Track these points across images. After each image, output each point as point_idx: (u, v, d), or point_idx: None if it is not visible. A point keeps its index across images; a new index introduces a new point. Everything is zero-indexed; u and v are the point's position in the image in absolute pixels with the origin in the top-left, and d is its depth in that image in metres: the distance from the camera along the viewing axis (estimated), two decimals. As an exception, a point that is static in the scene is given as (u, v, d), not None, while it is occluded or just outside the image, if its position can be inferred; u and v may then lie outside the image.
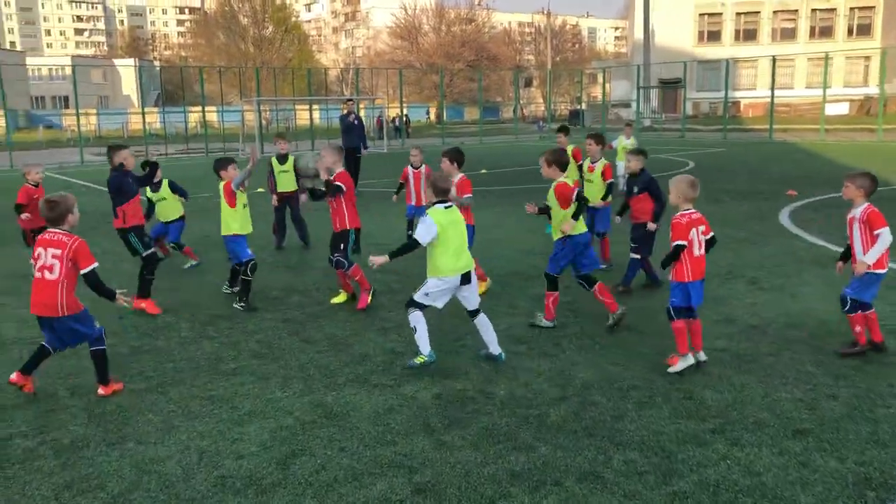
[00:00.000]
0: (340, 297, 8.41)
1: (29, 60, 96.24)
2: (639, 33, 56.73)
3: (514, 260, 10.24)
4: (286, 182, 11.59)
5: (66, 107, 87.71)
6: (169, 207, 10.54)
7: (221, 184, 8.30)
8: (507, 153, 32.27)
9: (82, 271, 5.61)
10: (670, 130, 43.21)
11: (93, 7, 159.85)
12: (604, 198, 9.48)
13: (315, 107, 54.38)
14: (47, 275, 5.52)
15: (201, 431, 5.13)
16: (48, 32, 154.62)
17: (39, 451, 4.87)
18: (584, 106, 60.31)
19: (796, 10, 60.83)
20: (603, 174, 9.50)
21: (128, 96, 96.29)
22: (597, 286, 7.20)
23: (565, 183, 7.20)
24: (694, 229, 5.98)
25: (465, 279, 6.12)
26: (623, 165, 17.73)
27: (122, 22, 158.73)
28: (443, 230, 5.96)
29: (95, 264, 5.69)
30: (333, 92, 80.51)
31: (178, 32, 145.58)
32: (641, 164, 8.60)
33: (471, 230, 8.44)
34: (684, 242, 5.94)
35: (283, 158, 11.72)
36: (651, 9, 48.84)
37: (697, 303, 6.06)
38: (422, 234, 5.94)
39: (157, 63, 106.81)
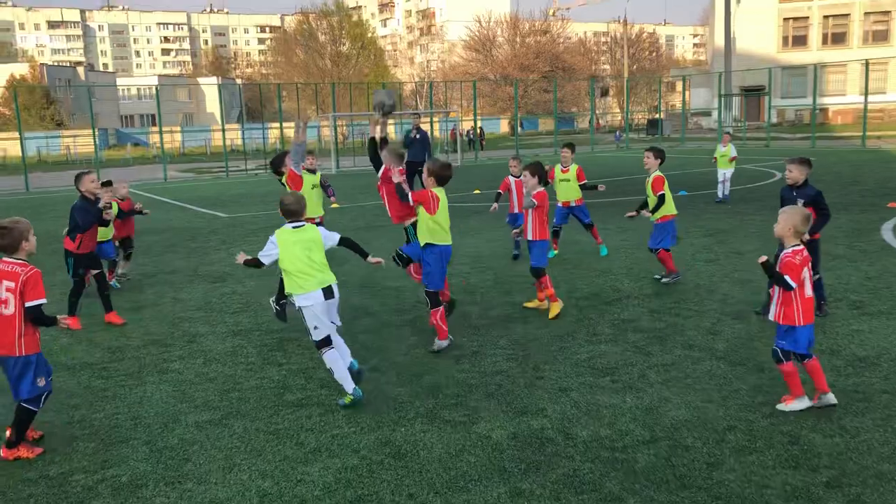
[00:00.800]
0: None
1: (119, 81, 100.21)
2: (719, 40, 55.07)
3: (591, 282, 9.71)
4: (313, 208, 11.54)
5: (154, 125, 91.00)
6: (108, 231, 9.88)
7: (284, 178, 8.34)
8: (583, 165, 31.51)
9: (27, 304, 4.99)
10: (754, 139, 41.62)
11: (179, 28, 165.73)
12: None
13: (390, 121, 54.74)
14: (2, 310, 4.99)
15: (263, 471, 4.84)
16: (137, 53, 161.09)
17: (98, 490, 4.67)
18: (662, 115, 58.85)
19: (889, 12, 57.97)
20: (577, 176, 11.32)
21: (211, 114, 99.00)
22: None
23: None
24: (805, 268, 5.38)
25: (328, 293, 5.86)
26: (722, 172, 17.03)
27: (206, 41, 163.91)
28: (285, 249, 5.82)
29: (43, 300, 5.09)
30: (409, 106, 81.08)
31: (259, 51, 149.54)
32: (805, 174, 7.60)
33: (541, 245, 8.07)
34: (795, 285, 5.33)
35: (311, 174, 11.63)
36: (732, 14, 47.28)
37: (809, 347, 5.45)
38: (262, 253, 5.89)
39: (238, 81, 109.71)
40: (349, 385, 5.86)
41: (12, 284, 5.01)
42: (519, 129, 59.29)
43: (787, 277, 5.30)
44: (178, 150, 59.56)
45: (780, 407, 5.47)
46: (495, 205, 11.20)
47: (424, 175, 7.32)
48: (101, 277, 8.59)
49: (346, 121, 59.57)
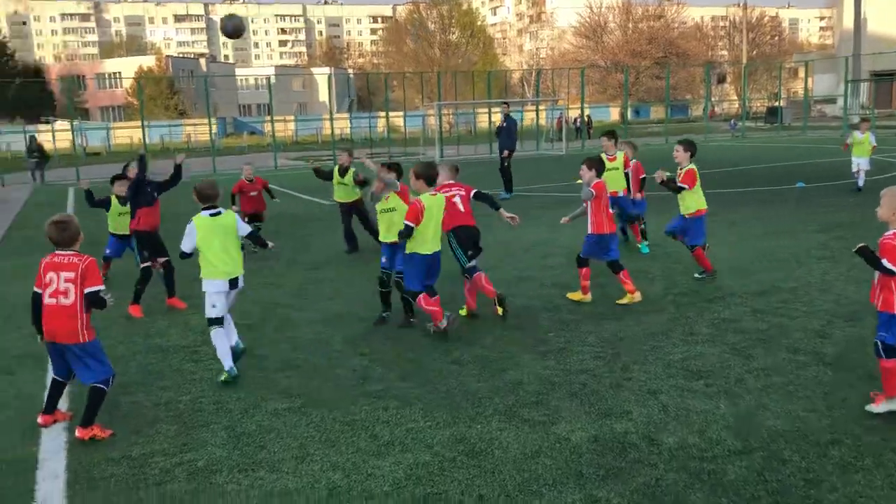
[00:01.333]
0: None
1: (238, 72, 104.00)
2: (848, 22, 51.79)
3: (692, 278, 9.22)
4: (343, 194, 12.02)
5: (269, 114, 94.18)
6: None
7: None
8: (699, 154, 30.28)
9: (87, 290, 5.19)
10: (886, 128, 38.92)
11: (295, 20, 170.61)
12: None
13: (495, 110, 54.48)
14: (62, 300, 5.19)
15: (335, 462, 4.79)
16: (256, 45, 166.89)
17: (174, 473, 4.74)
18: (783, 103, 55.99)
19: None
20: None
21: (324, 103, 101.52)
22: None
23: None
24: None
25: (233, 284, 6.40)
26: (857, 161, 16.09)
27: (320, 32, 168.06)
28: (204, 236, 6.24)
29: (102, 286, 5.30)
30: (517, 94, 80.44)
31: (371, 41, 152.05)
32: None
33: (609, 239, 7.76)
34: None
35: (343, 171, 12.01)
36: (863, -6, 44.36)
37: None
38: (183, 242, 6.34)
39: (349, 71, 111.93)
40: (228, 363, 6.28)
41: (72, 275, 5.19)
42: (629, 116, 57.76)
43: (885, 261, 4.89)
44: (291, 138, 61.24)
45: (871, 408, 5.04)
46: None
47: (412, 179, 7.29)
48: (169, 265, 8.78)
49: (451, 109, 59.84)
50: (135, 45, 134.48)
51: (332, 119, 36.17)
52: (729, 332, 7.06)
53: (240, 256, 6.47)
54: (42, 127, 50.49)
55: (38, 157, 28.17)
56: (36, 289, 5.30)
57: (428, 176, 7.25)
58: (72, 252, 5.29)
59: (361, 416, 5.50)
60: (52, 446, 5.22)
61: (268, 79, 38.66)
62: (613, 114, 69.91)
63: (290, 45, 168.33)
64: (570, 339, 7.06)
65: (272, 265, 10.96)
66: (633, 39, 68.31)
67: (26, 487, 4.66)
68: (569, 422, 5.22)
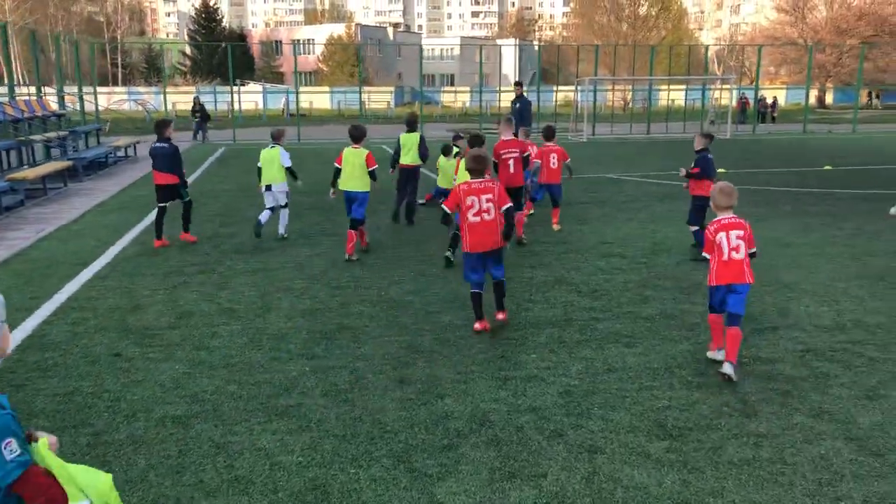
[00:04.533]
0: None
1: (424, 42, 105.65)
2: None
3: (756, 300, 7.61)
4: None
5: (451, 84, 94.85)
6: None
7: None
8: (882, 148, 26.65)
9: (503, 208, 6.56)
10: None
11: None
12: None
13: (680, 86, 51.19)
14: (485, 217, 6.52)
15: (161, 493, 4.11)
16: (449, 16, 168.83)
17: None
18: None
19: None
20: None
21: (506, 75, 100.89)
22: None
23: None
24: None
25: (268, 188, 10.42)
26: None
27: (513, 4, 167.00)
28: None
29: (511, 203, 6.66)
30: (710, 72, 75.40)
31: (563, 13, 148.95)
32: None
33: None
34: None
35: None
36: None
37: None
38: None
39: (534, 43, 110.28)
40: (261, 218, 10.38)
41: (491, 196, 6.54)
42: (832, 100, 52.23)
43: None
44: (462, 109, 61.13)
45: None
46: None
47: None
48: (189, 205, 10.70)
49: (628, 85, 56.98)
50: (335, 12, 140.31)
51: (499, 91, 35.39)
52: (753, 377, 5.63)
53: (279, 175, 10.49)
54: (219, 89, 53.48)
55: (200, 117, 29.74)
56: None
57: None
58: (484, 179, 6.68)
59: (240, 437, 4.77)
60: None
61: (429, 51, 38.26)
62: (812, 96, 63.60)
63: (482, 16, 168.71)
64: (553, 364, 5.94)
65: (380, 235, 10.48)
66: (839, 16, 61.42)
67: None
68: (458, 480, 4.21)
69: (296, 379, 5.65)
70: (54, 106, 23.35)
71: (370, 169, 9.47)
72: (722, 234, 5.63)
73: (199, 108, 29.94)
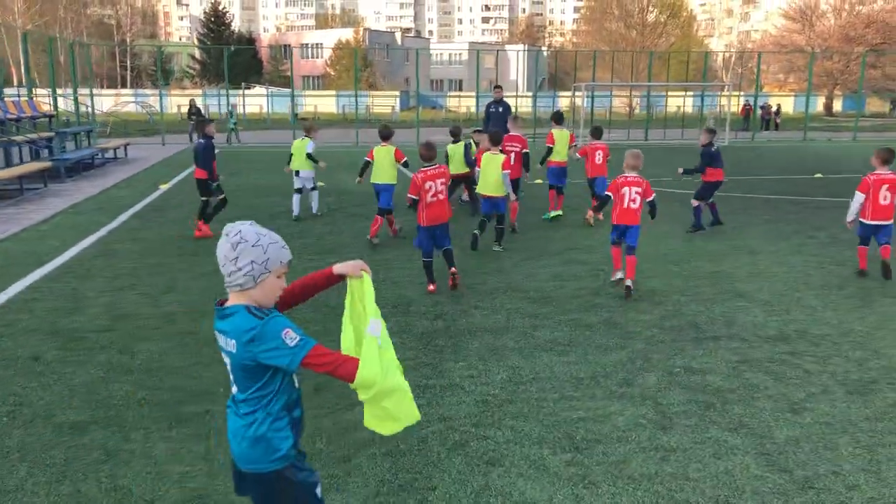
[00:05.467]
0: None
1: (432, 47, 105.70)
2: None
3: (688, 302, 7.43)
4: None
5: (460, 90, 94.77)
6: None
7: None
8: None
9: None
10: None
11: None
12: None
13: (689, 93, 50.91)
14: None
15: None
16: (460, 21, 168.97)
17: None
18: None
19: None
20: None
21: (514, 81, 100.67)
22: None
23: None
24: None
25: (297, 174, 11.41)
26: None
27: (524, 10, 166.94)
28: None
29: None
30: (717, 78, 74.99)
31: (574, 19, 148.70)
32: None
33: None
34: None
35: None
36: None
37: None
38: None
39: (543, 49, 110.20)
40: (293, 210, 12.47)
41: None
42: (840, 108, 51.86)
43: None
44: (466, 115, 61.08)
45: None
46: None
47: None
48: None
49: (639, 91, 56.79)
50: (346, 17, 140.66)
51: (516, 97, 35.18)
52: (679, 388, 5.46)
53: (307, 164, 12.36)
54: (226, 93, 53.55)
55: (196, 119, 29.76)
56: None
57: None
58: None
59: (134, 444, 4.63)
60: None
61: (426, 55, 38.05)
62: (818, 104, 63.24)
63: (492, 21, 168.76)
64: (478, 372, 5.77)
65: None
66: (849, 24, 60.91)
67: None
68: (343, 493, 4.05)
69: (210, 385, 5.52)
70: (46, 107, 23.38)
71: (401, 161, 10.80)
72: (626, 189, 7.86)
73: (195, 111, 29.98)
